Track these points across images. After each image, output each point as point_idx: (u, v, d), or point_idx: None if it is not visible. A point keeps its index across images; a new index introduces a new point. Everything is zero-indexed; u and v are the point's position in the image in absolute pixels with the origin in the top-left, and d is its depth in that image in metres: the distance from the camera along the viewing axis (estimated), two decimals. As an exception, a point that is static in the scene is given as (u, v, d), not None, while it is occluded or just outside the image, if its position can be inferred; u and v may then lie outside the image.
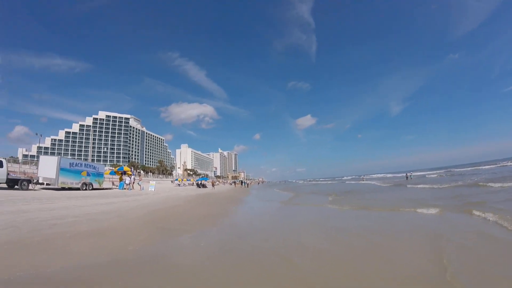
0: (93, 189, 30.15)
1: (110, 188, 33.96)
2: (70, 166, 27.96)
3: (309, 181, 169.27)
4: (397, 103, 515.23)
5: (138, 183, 33.54)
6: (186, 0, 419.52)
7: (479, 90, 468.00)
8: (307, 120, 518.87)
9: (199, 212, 13.29)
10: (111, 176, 41.38)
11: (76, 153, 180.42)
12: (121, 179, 36.14)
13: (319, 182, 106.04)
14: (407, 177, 55.56)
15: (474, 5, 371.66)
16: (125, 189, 33.41)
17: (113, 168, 46.78)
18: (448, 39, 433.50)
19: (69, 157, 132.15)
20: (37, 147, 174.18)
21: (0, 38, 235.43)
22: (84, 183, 29.33)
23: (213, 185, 68.87)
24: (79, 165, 29.44)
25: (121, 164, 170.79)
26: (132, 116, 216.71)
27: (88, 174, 30.08)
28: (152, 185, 36.52)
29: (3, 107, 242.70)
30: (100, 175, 32.27)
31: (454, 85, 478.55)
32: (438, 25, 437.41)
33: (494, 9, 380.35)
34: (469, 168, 72.11)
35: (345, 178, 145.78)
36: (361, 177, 72.61)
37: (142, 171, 35.25)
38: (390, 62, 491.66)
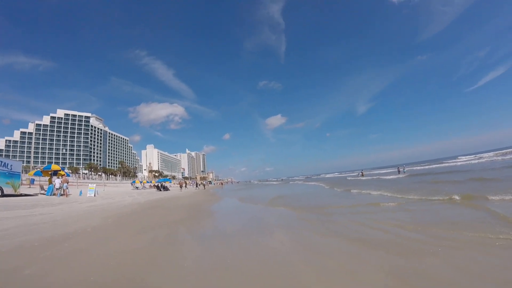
0: (3, 195, 21.85)
1: (32, 195, 25.64)
2: (-38, 163, 19.80)
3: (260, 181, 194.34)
4: (363, 103, 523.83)
5: (62, 187, 25.38)
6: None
7: (443, 90, 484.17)
8: (277, 120, 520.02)
9: (85, 264, 5.46)
10: (38, 178, 32.92)
11: (32, 155, 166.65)
12: (50, 182, 27.82)
13: (271, 183, 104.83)
14: (399, 171, 51.31)
15: (440, 10, 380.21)
16: (54, 194, 25.26)
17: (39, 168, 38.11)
18: (415, 41, 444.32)
19: (19, 160, 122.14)
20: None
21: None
22: (-12, 187, 21.10)
23: (180, 186, 60.64)
24: (-22, 161, 21.02)
25: (80, 166, 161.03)
26: (94, 115, 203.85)
27: (-6, 175, 21.78)
28: (91, 189, 28.37)
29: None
30: (15, 175, 23.68)
31: (419, 85, 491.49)
32: (406, 27, 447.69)
33: (459, 14, 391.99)
34: (427, 166, 72.24)
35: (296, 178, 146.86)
36: (361, 172, 66.44)
37: (64, 172, 27.51)
38: (358, 62, 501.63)
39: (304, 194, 27.28)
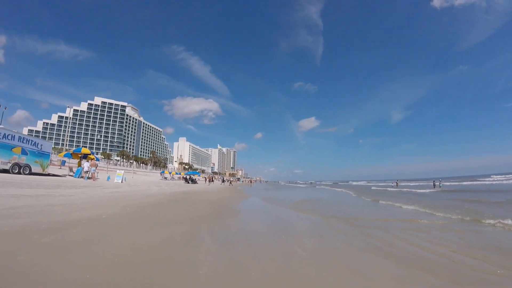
0: (30, 173, 21.71)
1: (60, 175, 25.39)
2: (-8, 138, 19.67)
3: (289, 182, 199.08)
4: (398, 111, 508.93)
5: (90, 171, 25.05)
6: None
7: (482, 103, 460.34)
8: (310, 122, 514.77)
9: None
10: (68, 159, 32.94)
11: (68, 138, 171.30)
12: (79, 164, 27.62)
13: (299, 185, 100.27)
14: (434, 185, 47.54)
15: (483, 18, 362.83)
16: (81, 177, 25.00)
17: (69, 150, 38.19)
18: (455, 50, 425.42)
19: (50, 141, 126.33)
20: (28, 130, 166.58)
21: (5, 20, 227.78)
22: (17, 164, 20.89)
23: (209, 180, 60.01)
24: (9, 137, 20.71)
25: (113, 153, 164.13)
26: (130, 104, 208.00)
27: (24, 153, 21.51)
28: (119, 175, 27.94)
29: (4, 91, 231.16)
30: (44, 155, 23.59)
31: (457, 96, 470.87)
32: (446, 36, 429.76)
33: (502, 23, 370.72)
34: (463, 182, 66.81)
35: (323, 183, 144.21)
36: (396, 181, 64.81)
37: (93, 156, 26.69)
38: (395, 69, 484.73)
39: (332, 200, 25.55)
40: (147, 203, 12.94)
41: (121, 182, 27.13)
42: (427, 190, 38.32)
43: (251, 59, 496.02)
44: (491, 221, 10.05)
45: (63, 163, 39.55)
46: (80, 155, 28.38)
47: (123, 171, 29.75)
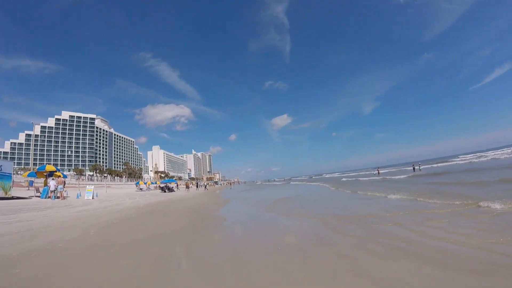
0: (-9, 198, 20.19)
1: (26, 198, 23.83)
2: None
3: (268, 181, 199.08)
4: (369, 103, 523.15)
5: (57, 189, 23.59)
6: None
7: (448, 89, 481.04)
8: (283, 120, 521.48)
9: None
10: (32, 179, 31.20)
11: (38, 157, 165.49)
12: (45, 183, 26.05)
13: (275, 183, 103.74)
14: (414, 169, 49.48)
15: (446, 8, 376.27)
16: (49, 197, 23.50)
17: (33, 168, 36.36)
18: (420, 41, 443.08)
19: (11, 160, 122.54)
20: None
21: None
22: (-26, 190, 19.39)
23: (187, 187, 59.94)
24: (-37, 162, 19.26)
25: (86, 168, 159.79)
26: (99, 116, 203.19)
27: (-18, 176, 20.03)
28: (89, 191, 26.49)
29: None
30: (5, 177, 21.83)
31: (424, 84, 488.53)
32: (411, 27, 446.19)
33: (464, 11, 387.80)
34: (435, 164, 67.77)
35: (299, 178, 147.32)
36: (377, 169, 66.02)
37: (60, 173, 25.20)
38: (363, 63, 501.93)
39: (313, 196, 24.94)
40: (116, 221, 11.90)
41: (92, 198, 25.76)
42: (403, 176, 38.18)
43: (221, 61, 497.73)
44: (497, 205, 9.26)
45: (31, 183, 37.59)
46: (45, 173, 26.82)
47: (93, 186, 28.23)
